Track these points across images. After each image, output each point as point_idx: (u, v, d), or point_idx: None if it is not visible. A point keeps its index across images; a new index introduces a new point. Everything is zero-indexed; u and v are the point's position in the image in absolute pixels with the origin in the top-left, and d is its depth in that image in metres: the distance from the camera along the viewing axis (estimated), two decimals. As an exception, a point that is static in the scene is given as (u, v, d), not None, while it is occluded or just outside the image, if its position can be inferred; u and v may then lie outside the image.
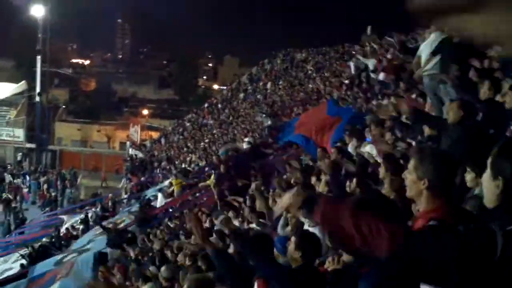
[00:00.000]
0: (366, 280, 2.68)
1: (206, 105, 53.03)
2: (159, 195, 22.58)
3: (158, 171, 34.98)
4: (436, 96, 9.53)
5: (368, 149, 8.65)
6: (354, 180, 6.85)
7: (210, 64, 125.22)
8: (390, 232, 2.47)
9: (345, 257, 4.89)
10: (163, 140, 48.79)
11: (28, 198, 38.56)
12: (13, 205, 35.06)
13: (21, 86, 58.94)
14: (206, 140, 38.38)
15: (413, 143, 8.00)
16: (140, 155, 45.92)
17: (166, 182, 24.98)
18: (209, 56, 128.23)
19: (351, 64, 23.84)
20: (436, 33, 9.78)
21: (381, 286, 2.63)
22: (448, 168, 3.04)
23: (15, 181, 42.02)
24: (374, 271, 2.67)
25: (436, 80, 9.46)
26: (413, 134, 8.22)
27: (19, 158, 51.82)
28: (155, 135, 58.60)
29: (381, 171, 6.25)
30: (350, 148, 9.62)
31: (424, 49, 9.99)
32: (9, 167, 48.24)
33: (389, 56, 19.66)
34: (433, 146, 5.45)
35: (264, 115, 27.87)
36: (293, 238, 5.05)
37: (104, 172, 49.47)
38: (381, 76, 17.97)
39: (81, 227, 25.82)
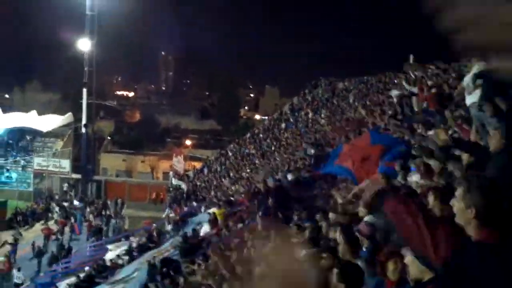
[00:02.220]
0: None
1: (248, 135, 53.31)
2: (205, 224, 22.70)
3: (201, 201, 35.16)
4: (484, 127, 9.43)
5: (415, 178, 8.58)
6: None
7: (252, 95, 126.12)
8: (447, 238, 2.50)
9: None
10: (205, 170, 49.12)
11: (78, 231, 39.11)
12: (54, 238, 35.60)
13: (67, 118, 60.48)
14: (248, 170, 38.52)
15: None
16: (183, 185, 46.28)
17: (210, 211, 25.10)
18: (250, 87, 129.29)
19: (394, 93, 23.71)
20: (479, 64, 9.73)
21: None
22: (495, 196, 3.04)
23: (60, 212, 42.81)
24: None
25: (480, 109, 9.37)
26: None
27: (65, 188, 52.81)
28: (197, 165, 59.06)
29: (430, 200, 6.20)
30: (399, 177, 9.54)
31: (469, 80, 9.95)
32: (56, 198, 49.23)
33: (429, 83, 19.51)
34: (479, 174, 5.42)
35: (309, 146, 27.84)
36: (335, 270, 5.01)
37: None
38: (424, 105, 17.86)
39: (126, 258, 26.08)
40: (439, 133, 11.19)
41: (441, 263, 2.52)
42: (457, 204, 3.07)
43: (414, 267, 2.90)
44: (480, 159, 6.99)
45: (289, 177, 18.11)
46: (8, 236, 35.68)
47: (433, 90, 17.36)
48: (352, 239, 6.42)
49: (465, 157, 7.62)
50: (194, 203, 35.01)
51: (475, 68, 9.85)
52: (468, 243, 2.72)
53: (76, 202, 46.96)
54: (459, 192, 3.10)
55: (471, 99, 9.80)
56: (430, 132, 12.93)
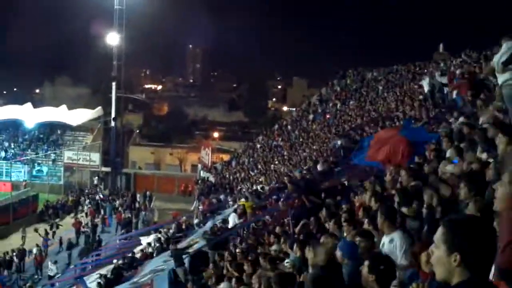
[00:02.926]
0: None
1: (276, 126, 53.15)
2: (232, 215, 22.64)
3: (229, 194, 35.16)
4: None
5: (450, 168, 8.34)
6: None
7: (279, 86, 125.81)
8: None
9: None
10: (233, 163, 49.13)
11: (108, 224, 39.45)
12: (83, 229, 36.02)
13: (97, 112, 61.11)
14: (276, 162, 38.37)
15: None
16: (211, 177, 46.37)
17: (238, 203, 25.04)
18: (278, 78, 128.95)
19: (424, 82, 23.32)
20: (508, 42, 9.37)
21: None
22: None
23: (90, 204, 43.26)
24: None
25: None
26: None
27: (95, 182, 53.36)
28: (225, 157, 59.12)
29: (463, 191, 6.02)
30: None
31: (498, 59, 9.58)
32: (86, 191, 49.79)
33: (458, 71, 19.14)
34: None
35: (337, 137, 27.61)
36: (366, 262, 4.88)
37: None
38: (454, 94, 17.50)
39: (157, 245, 26.23)
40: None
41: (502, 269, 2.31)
42: (503, 188, 2.87)
43: (440, 266, 2.64)
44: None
45: (319, 167, 17.92)
46: (42, 228, 36.25)
47: (464, 78, 17.01)
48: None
49: (503, 142, 7.32)
50: (222, 196, 34.99)
51: (504, 46, 9.46)
52: None
53: (105, 193, 47.52)
54: (507, 177, 2.89)
55: (503, 77, 9.43)
56: (461, 119, 12.66)
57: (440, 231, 2.60)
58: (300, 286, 6.66)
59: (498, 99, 10.79)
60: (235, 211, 23.33)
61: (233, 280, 10.87)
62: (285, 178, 21.46)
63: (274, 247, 11.72)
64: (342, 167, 16.80)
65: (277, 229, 13.53)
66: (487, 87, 14.12)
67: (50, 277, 28.92)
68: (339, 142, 24.42)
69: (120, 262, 25.33)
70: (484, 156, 8.15)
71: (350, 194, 12.87)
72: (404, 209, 7.49)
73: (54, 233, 35.74)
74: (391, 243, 6.30)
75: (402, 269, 5.57)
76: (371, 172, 12.95)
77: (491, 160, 7.65)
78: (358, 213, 8.78)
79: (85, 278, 25.20)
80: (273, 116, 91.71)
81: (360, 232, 6.84)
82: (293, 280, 7.07)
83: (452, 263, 2.50)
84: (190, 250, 19.64)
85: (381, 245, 6.50)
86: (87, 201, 44.92)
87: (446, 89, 19.82)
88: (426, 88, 22.54)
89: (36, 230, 34.84)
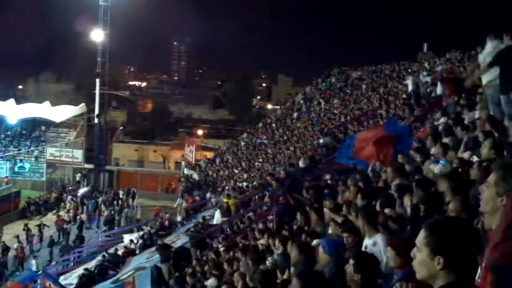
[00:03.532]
0: None
1: (260, 124, 53.17)
2: (216, 213, 22.62)
3: (212, 191, 35.11)
4: (499, 107, 9.15)
5: (436, 168, 8.35)
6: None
7: (264, 84, 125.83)
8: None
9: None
10: (217, 160, 49.07)
11: (98, 218, 39.04)
12: (65, 226, 35.72)
13: (80, 108, 60.63)
14: (260, 160, 38.39)
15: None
16: (194, 175, 46.25)
17: (222, 201, 25.01)
18: (263, 76, 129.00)
19: (409, 81, 23.44)
20: (493, 41, 9.42)
21: None
22: None
23: (73, 201, 42.96)
24: None
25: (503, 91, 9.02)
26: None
27: (77, 178, 53.00)
28: (209, 155, 59.01)
29: (446, 191, 6.02)
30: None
31: (483, 58, 9.64)
32: (69, 188, 49.43)
33: (440, 68, 19.28)
34: None
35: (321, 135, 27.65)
36: (351, 261, 4.88)
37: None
38: (439, 88, 17.59)
39: (140, 241, 26.10)
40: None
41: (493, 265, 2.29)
42: (487, 191, 2.85)
43: (423, 269, 2.60)
44: (500, 150, 6.76)
45: (300, 164, 17.93)
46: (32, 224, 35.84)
47: (448, 78, 17.12)
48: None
49: (485, 149, 7.36)
50: (206, 193, 34.93)
51: (489, 44, 9.50)
52: None
53: (85, 189, 47.23)
54: (492, 177, 2.87)
55: (487, 77, 9.48)
56: (443, 119, 12.73)
57: (422, 234, 2.57)
58: (284, 284, 6.65)
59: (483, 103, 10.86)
60: (219, 208, 23.32)
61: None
62: (268, 176, 21.47)
63: (261, 241, 11.71)
64: (325, 165, 16.82)
65: (261, 226, 13.53)
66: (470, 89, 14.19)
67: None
68: (322, 141, 24.46)
69: (101, 258, 25.16)
70: (466, 155, 8.19)
71: (333, 191, 12.89)
72: (387, 210, 7.49)
73: (41, 233, 35.14)
74: (375, 246, 6.29)
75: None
76: (354, 170, 12.99)
77: (474, 159, 7.69)
78: (342, 209, 8.78)
79: (67, 274, 25.06)
80: (258, 114, 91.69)
81: (346, 228, 6.84)
82: (275, 278, 7.06)
83: (436, 266, 2.48)
84: (173, 247, 19.60)
85: (363, 247, 6.49)
86: (69, 197, 44.56)
87: (430, 89, 19.96)
88: (410, 88, 22.67)
89: (26, 226, 34.31)
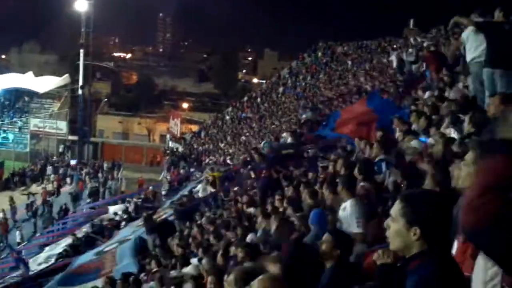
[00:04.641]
0: (416, 273, 2.59)
1: (245, 98, 53.11)
2: (200, 186, 22.71)
3: (197, 164, 35.17)
4: (482, 85, 9.20)
5: (415, 144, 8.48)
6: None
7: (250, 58, 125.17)
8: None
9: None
10: (202, 134, 49.08)
11: (83, 188, 38.91)
12: (47, 198, 35.64)
13: (64, 79, 60.10)
14: (247, 134, 38.45)
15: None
16: (180, 148, 46.25)
17: (205, 175, 25.08)
18: (249, 50, 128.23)
19: (394, 57, 23.53)
20: (479, 19, 9.45)
21: (432, 280, 2.55)
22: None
23: (57, 173, 42.89)
24: (425, 264, 2.58)
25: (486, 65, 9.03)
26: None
27: (61, 150, 52.77)
28: (194, 128, 58.95)
29: (426, 167, 6.14)
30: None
31: (468, 36, 9.65)
32: (53, 159, 49.26)
33: (426, 44, 19.35)
34: (494, 140, 5.18)
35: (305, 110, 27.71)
36: (328, 236, 5.07)
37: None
38: (423, 67, 17.72)
39: (124, 216, 26.15)
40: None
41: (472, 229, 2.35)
42: (465, 168, 2.94)
43: (398, 239, 2.67)
44: (480, 126, 6.88)
45: (285, 139, 18.05)
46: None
47: (431, 52, 17.18)
48: None
49: (467, 126, 7.51)
50: (191, 167, 34.98)
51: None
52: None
53: (72, 162, 47.04)
54: (470, 156, 2.96)
55: (471, 54, 9.53)
56: (427, 94, 12.86)
57: (398, 205, 2.64)
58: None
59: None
60: (203, 181, 23.41)
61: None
62: (252, 150, 21.56)
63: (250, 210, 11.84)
64: (309, 139, 16.92)
65: (245, 199, 13.63)
66: (454, 64, 14.29)
67: (19, 244, 28.85)
68: (305, 115, 24.54)
69: (90, 230, 25.22)
70: (448, 131, 8.30)
71: (317, 164, 13.01)
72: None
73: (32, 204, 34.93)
74: (344, 211, 6.50)
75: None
76: (339, 143, 13.11)
77: (455, 136, 7.82)
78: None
79: (52, 245, 25.13)
80: (243, 88, 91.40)
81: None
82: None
83: (412, 236, 2.55)
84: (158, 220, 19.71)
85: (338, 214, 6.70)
86: (50, 168, 44.38)
87: (413, 66, 20.06)
88: (395, 63, 22.78)
89: (11, 200, 34.18)
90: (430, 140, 8.40)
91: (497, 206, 2.22)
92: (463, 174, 2.99)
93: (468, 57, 9.73)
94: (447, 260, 2.64)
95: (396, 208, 2.65)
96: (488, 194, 2.23)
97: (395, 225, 2.63)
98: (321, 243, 5.10)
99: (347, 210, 6.50)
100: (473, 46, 9.44)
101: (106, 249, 20.49)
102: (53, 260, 22.13)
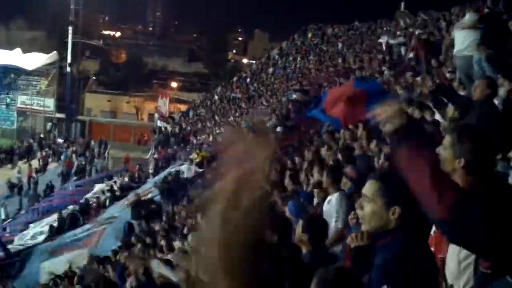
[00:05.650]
0: (385, 249, 2.61)
1: (235, 78, 52.94)
2: (185, 165, 22.70)
3: (185, 144, 35.11)
4: (469, 76, 9.26)
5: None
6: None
7: (240, 38, 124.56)
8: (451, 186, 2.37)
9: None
10: (191, 113, 48.92)
11: (71, 166, 38.63)
12: (33, 174, 35.47)
13: (52, 56, 59.42)
14: (237, 114, 38.33)
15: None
16: (168, 127, 46.11)
17: (194, 154, 25.08)
18: (239, 30, 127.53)
19: (383, 40, 23.47)
20: (471, 13, 9.48)
21: (401, 255, 2.54)
22: (487, 149, 2.91)
23: (44, 151, 42.63)
24: (394, 241, 2.58)
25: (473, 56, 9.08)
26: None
27: (48, 127, 52.44)
28: (183, 108, 58.72)
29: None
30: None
31: (458, 29, 9.69)
32: (38, 136, 48.93)
33: (417, 32, 19.30)
34: (470, 125, 5.25)
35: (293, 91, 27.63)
36: (300, 221, 5.10)
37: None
38: (411, 54, 17.71)
39: (108, 194, 26.11)
40: (425, 80, 11.03)
41: (445, 213, 2.39)
42: (444, 153, 2.93)
43: (375, 219, 2.68)
44: (464, 111, 6.89)
45: (271, 120, 18.03)
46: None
47: (422, 38, 17.17)
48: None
49: (450, 110, 7.52)
50: (179, 146, 34.94)
51: (467, 16, 9.55)
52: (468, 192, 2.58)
53: (59, 140, 46.79)
54: (448, 140, 2.95)
55: (457, 46, 9.57)
56: (417, 79, 12.85)
57: (374, 185, 2.65)
58: None
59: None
60: (190, 161, 23.39)
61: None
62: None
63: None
64: (295, 121, 16.90)
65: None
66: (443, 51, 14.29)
67: (3, 221, 28.76)
68: (294, 96, 24.46)
69: (75, 208, 25.19)
70: (435, 117, 8.32)
71: (303, 149, 12.99)
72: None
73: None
74: (329, 204, 6.44)
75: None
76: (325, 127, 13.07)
77: (441, 120, 7.83)
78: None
79: (36, 222, 25.09)
80: (233, 68, 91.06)
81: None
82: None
83: (390, 216, 2.57)
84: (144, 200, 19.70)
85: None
86: (36, 145, 44.12)
87: (403, 49, 20.04)
88: (384, 47, 22.73)
89: None
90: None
91: (457, 198, 2.30)
92: (441, 158, 2.98)
93: (455, 49, 9.77)
94: (417, 237, 2.65)
95: (372, 189, 2.65)
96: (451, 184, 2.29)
97: (371, 206, 2.63)
98: (296, 227, 5.14)
99: (332, 203, 6.44)
100: (460, 39, 9.49)
101: (93, 229, 20.50)
102: (39, 239, 22.14)
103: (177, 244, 11.52)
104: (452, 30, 10.67)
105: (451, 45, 10.78)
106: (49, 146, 44.49)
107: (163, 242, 12.38)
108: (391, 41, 21.51)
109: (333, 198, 6.50)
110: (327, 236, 5.27)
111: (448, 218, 2.35)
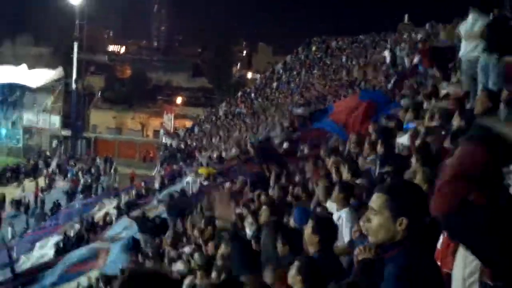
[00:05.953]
0: (392, 261, 2.60)
1: (239, 93, 53.00)
2: (190, 178, 22.61)
3: (191, 160, 35.04)
4: (474, 81, 9.15)
5: (404, 140, 8.39)
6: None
7: (244, 52, 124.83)
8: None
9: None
10: (196, 129, 48.93)
11: (77, 183, 38.64)
12: (39, 194, 35.44)
13: (58, 72, 59.62)
14: (244, 129, 38.27)
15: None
16: (173, 143, 46.10)
17: (200, 170, 24.98)
18: (243, 44, 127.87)
19: (387, 52, 23.45)
20: (474, 14, 9.37)
21: (408, 267, 2.55)
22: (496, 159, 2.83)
23: (49, 168, 42.67)
24: (401, 253, 2.60)
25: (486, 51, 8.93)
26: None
27: (54, 145, 52.48)
28: (188, 123, 58.79)
29: (415, 163, 6.07)
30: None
31: (463, 30, 9.58)
32: (44, 154, 48.97)
33: (419, 37, 19.26)
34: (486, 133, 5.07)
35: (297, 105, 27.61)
36: (310, 222, 5.06)
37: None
38: (416, 59, 17.60)
39: (115, 212, 26.06)
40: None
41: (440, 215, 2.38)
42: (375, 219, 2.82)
43: (382, 232, 2.65)
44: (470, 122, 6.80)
45: (275, 135, 17.95)
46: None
47: (426, 47, 17.09)
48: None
49: (456, 121, 7.44)
50: (184, 162, 34.86)
51: (470, 17, 9.41)
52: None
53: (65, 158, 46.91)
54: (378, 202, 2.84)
55: (462, 49, 9.47)
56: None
57: (381, 197, 2.65)
58: None
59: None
60: (196, 174, 23.34)
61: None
62: (247, 145, 21.45)
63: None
64: (301, 133, 16.81)
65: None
66: (448, 58, 14.18)
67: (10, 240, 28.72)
68: (298, 111, 24.43)
69: (81, 227, 25.15)
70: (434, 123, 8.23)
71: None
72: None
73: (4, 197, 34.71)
74: (338, 221, 6.34)
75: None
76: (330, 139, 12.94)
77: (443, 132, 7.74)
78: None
79: (42, 242, 25.02)
80: (238, 82, 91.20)
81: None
82: None
83: (398, 227, 2.59)
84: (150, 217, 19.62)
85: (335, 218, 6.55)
86: (43, 163, 44.16)
87: (406, 60, 19.98)
88: (388, 59, 22.69)
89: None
90: (415, 125, 8.37)
91: (464, 193, 2.25)
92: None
93: (462, 51, 9.67)
94: (424, 250, 2.72)
95: (378, 201, 2.66)
96: (457, 181, 2.26)
97: (378, 218, 2.64)
98: (306, 228, 5.12)
99: (342, 220, 6.34)
100: (466, 44, 9.40)
101: (99, 247, 20.39)
102: (45, 258, 22.05)
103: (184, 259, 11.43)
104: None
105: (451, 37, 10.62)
106: (55, 164, 44.51)
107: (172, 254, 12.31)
108: (397, 52, 21.47)
109: (343, 214, 6.42)
110: (336, 238, 5.30)
111: (455, 213, 2.31)
